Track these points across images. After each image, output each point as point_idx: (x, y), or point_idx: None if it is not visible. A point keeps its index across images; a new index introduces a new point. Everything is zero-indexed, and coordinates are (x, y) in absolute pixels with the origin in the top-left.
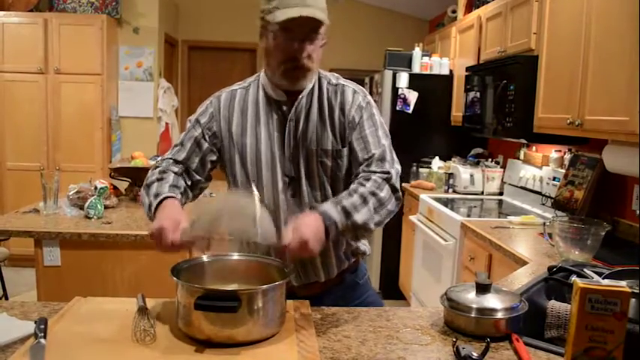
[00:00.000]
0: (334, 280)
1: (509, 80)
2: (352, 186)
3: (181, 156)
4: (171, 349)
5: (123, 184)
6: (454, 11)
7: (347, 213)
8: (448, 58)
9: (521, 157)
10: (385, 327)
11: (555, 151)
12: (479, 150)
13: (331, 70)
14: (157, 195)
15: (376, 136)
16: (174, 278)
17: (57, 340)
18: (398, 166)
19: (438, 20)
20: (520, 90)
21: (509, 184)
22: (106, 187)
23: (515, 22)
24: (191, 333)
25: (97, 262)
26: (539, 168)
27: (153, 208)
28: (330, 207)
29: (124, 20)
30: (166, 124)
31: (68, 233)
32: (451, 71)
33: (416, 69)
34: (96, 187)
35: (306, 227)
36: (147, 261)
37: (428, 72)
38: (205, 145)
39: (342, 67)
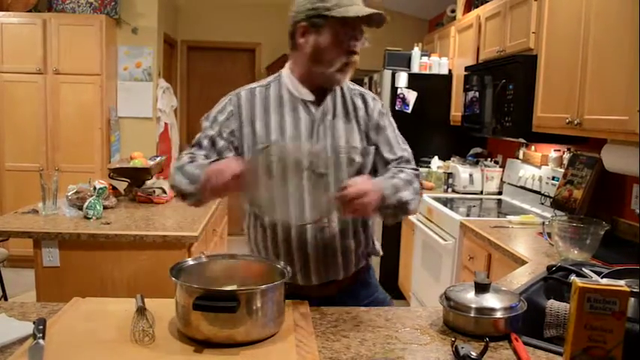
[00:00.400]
0: (349, 279)
1: (508, 80)
2: (388, 174)
3: (200, 154)
4: (170, 350)
5: (122, 185)
6: (453, 11)
7: (396, 189)
8: (447, 58)
9: (521, 156)
10: (384, 327)
11: (554, 150)
12: (478, 149)
13: None
14: (200, 166)
15: (398, 140)
16: (173, 278)
17: (56, 340)
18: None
19: (437, 20)
20: (519, 89)
21: (509, 184)
22: (105, 187)
23: (514, 22)
24: (190, 333)
25: (96, 262)
26: (539, 167)
27: (199, 176)
28: (380, 180)
29: (123, 20)
30: (165, 124)
31: (67, 234)
32: (450, 71)
33: (415, 69)
34: (95, 188)
35: (366, 183)
36: (146, 261)
37: (427, 72)
38: (221, 143)
39: None
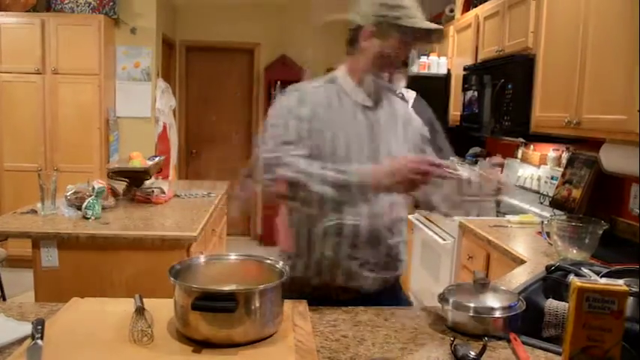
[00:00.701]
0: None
1: (506, 79)
2: None
3: (300, 151)
4: (168, 350)
5: (121, 185)
6: (452, 10)
7: None
8: (446, 58)
9: (519, 156)
10: (383, 326)
11: (553, 150)
12: (477, 149)
13: (329, 69)
14: (336, 170)
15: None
16: (172, 279)
17: (54, 341)
18: None
19: (435, 19)
20: (518, 89)
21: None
22: (104, 187)
23: (513, 22)
24: (189, 333)
25: (94, 262)
26: (537, 167)
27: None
28: None
29: (122, 20)
30: (164, 124)
31: (66, 234)
32: (449, 70)
33: (414, 69)
34: (94, 188)
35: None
36: (145, 262)
37: (426, 71)
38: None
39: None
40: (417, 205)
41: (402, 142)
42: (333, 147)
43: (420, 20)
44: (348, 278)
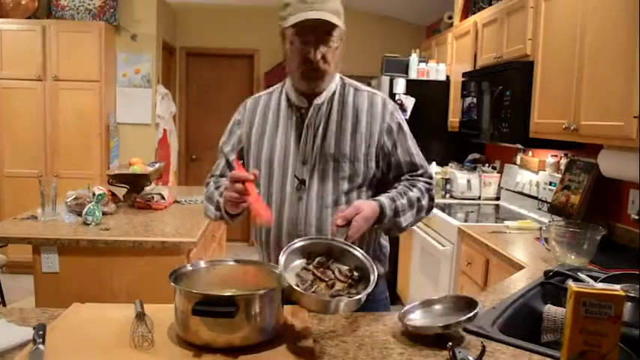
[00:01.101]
0: None
1: (505, 86)
2: (400, 187)
3: (218, 172)
4: (169, 355)
5: (121, 191)
6: (450, 17)
7: (396, 213)
8: (445, 64)
9: (518, 162)
10: (382, 331)
11: (551, 155)
12: (476, 155)
13: None
14: (221, 192)
15: (415, 147)
16: (172, 284)
17: (55, 346)
18: (432, 178)
19: (434, 26)
20: (516, 95)
21: (506, 189)
22: (104, 193)
23: (511, 28)
24: (189, 338)
25: (95, 268)
26: (536, 173)
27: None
28: (387, 202)
29: (122, 27)
30: (164, 130)
31: (66, 240)
32: (448, 77)
33: (413, 75)
34: (94, 194)
35: (366, 207)
36: (145, 267)
37: (425, 78)
38: (232, 157)
39: (340, 71)
40: None
41: (335, 143)
42: (258, 150)
43: (302, 13)
44: None
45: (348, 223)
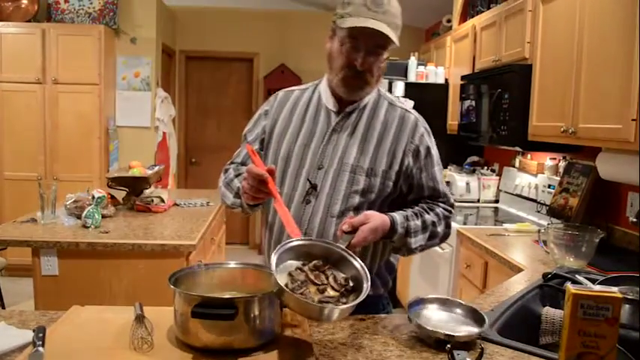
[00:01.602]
0: None
1: (503, 89)
2: (417, 209)
3: (239, 160)
4: (168, 357)
5: (120, 194)
6: (449, 21)
7: (408, 233)
8: (443, 67)
9: (517, 164)
10: (381, 334)
11: (550, 158)
12: (475, 158)
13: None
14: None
15: (441, 174)
16: (172, 286)
17: (55, 348)
18: (454, 208)
19: (433, 30)
20: (515, 98)
21: (505, 192)
22: (104, 196)
23: (510, 32)
24: (188, 341)
25: (94, 271)
26: (535, 176)
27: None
28: (399, 218)
29: (122, 30)
30: (164, 133)
31: (66, 242)
32: (446, 80)
33: (411, 78)
34: (93, 197)
35: (376, 218)
36: (144, 270)
37: (423, 81)
38: (257, 146)
39: None
40: None
41: (356, 154)
42: (278, 145)
43: (362, 19)
44: None
45: (355, 230)
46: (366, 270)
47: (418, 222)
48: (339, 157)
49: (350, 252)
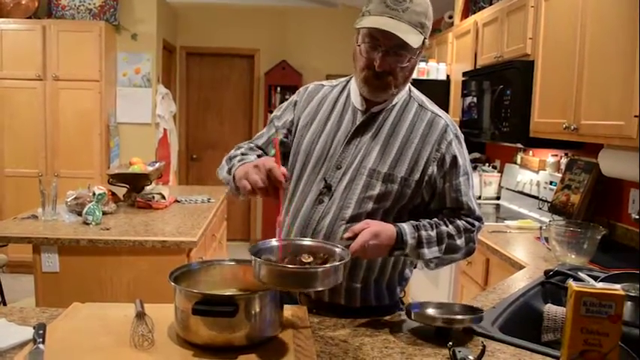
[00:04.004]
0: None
1: (505, 85)
2: (435, 219)
3: (260, 142)
4: (169, 354)
5: (121, 190)
6: (451, 17)
7: (420, 243)
8: (445, 64)
9: (518, 161)
10: (382, 331)
11: (552, 155)
12: (476, 155)
13: (328, 76)
14: (242, 160)
15: (468, 184)
16: (172, 283)
17: (55, 345)
18: (482, 222)
19: (434, 26)
20: (516, 95)
21: (507, 189)
22: (105, 193)
23: (511, 28)
24: (189, 338)
25: (95, 267)
26: (536, 172)
27: (235, 167)
28: (409, 229)
29: (122, 27)
30: (164, 130)
31: (66, 239)
32: (448, 76)
33: (413, 74)
34: (94, 193)
35: (378, 225)
36: (145, 267)
37: (425, 77)
38: (281, 135)
39: (339, 72)
40: None
41: (376, 158)
42: (300, 138)
43: (379, 18)
44: None
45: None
46: (347, 251)
47: (432, 233)
48: (358, 159)
49: (334, 243)
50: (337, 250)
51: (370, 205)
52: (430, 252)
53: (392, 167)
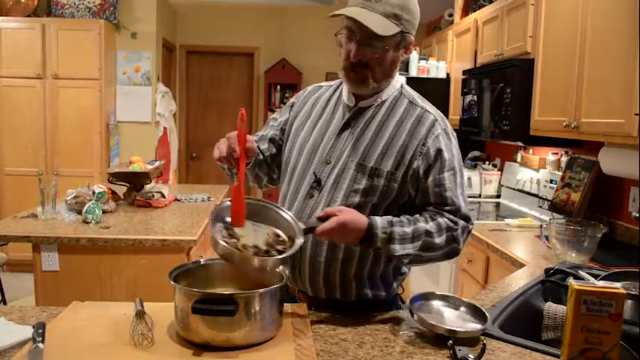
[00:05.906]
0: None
1: (505, 83)
2: (417, 215)
3: (259, 134)
4: (169, 353)
5: (121, 189)
6: (451, 15)
7: (391, 239)
8: (445, 62)
9: (519, 159)
10: (382, 330)
11: (552, 153)
12: (476, 153)
13: (328, 75)
14: None
15: (454, 181)
16: (172, 282)
17: (55, 344)
18: (469, 223)
19: (434, 24)
20: (517, 93)
21: (507, 187)
22: (104, 191)
23: (512, 26)
24: (189, 337)
25: (95, 266)
26: (537, 170)
27: None
28: (381, 224)
29: (122, 25)
30: (164, 128)
31: (66, 238)
32: (448, 74)
33: (413, 72)
34: (94, 192)
35: (349, 214)
36: (145, 265)
37: (425, 75)
38: (278, 135)
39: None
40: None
41: (363, 151)
42: (295, 136)
43: (352, 9)
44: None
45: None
46: (299, 225)
47: (408, 229)
48: (346, 154)
49: (280, 206)
50: (296, 229)
51: (357, 199)
52: (402, 248)
53: (378, 162)
